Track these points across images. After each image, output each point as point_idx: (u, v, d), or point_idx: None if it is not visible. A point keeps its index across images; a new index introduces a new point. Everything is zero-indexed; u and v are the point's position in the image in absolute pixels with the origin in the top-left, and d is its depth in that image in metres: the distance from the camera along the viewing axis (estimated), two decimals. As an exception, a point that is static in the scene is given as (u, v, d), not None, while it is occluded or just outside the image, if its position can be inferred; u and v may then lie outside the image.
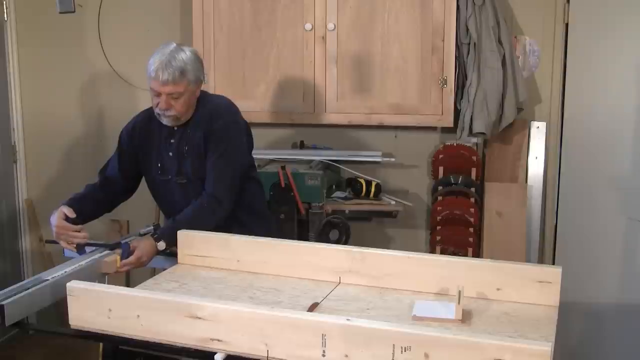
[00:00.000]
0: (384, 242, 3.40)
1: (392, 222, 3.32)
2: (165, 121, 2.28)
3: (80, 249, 2.18)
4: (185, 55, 2.23)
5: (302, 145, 3.38)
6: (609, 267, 3.04)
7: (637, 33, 2.90)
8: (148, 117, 2.41)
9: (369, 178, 3.22)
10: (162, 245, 2.18)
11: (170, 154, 2.34)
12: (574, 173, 3.13)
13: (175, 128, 2.33)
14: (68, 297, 1.72)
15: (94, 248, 2.22)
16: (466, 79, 3.03)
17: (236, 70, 3.14)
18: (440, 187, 3.21)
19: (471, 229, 3.14)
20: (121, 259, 2.14)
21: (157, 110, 2.27)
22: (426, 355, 1.40)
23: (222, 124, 2.32)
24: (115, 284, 1.82)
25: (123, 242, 2.22)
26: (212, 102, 2.39)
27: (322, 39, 3.02)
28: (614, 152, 3.00)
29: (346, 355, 1.47)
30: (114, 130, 3.68)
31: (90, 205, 2.37)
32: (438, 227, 3.18)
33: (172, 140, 2.34)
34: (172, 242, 2.18)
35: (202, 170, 2.31)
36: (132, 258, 2.13)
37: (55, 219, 2.22)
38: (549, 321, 1.72)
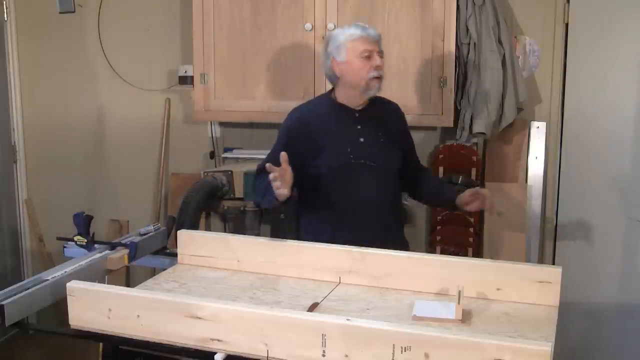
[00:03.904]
0: (384, 242, 3.39)
1: (392, 222, 3.32)
2: (373, 91, 2.27)
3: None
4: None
5: (302, 145, 3.37)
6: (609, 267, 3.04)
7: (637, 33, 2.90)
8: (316, 108, 2.38)
9: (369, 178, 3.21)
10: None
11: (362, 139, 2.31)
12: (574, 173, 3.13)
13: (357, 114, 2.32)
14: (68, 297, 1.73)
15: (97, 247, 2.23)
16: (466, 79, 3.03)
17: (236, 70, 3.14)
18: (440, 187, 3.21)
19: (471, 229, 3.14)
20: (129, 257, 2.15)
21: (372, 74, 2.23)
22: (426, 355, 1.40)
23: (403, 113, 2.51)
24: (115, 284, 1.82)
25: (130, 241, 2.24)
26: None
27: (322, 39, 3.02)
28: (614, 152, 3.00)
29: (346, 355, 1.47)
30: (114, 130, 3.73)
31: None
32: (438, 227, 3.18)
33: (358, 127, 2.32)
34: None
35: (392, 157, 2.35)
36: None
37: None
38: (549, 321, 1.72)
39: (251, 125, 3.42)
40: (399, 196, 2.46)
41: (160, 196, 3.63)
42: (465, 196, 2.32)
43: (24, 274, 3.88)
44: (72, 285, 1.73)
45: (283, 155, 2.03)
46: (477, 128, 2.98)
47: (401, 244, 2.35)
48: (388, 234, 2.32)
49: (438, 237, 3.18)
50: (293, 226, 3.02)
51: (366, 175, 2.29)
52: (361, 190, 2.29)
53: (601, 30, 2.99)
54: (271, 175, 2.00)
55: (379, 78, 2.25)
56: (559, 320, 1.74)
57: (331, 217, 2.31)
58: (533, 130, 3.18)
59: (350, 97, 2.31)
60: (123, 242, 2.26)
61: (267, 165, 2.03)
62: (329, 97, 2.36)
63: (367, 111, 2.33)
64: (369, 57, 2.22)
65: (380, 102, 2.39)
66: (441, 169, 3.22)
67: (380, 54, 2.26)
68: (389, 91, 3.03)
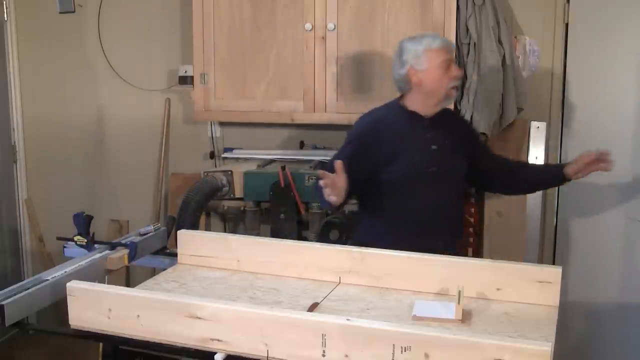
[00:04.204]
0: (384, 242, 3.39)
1: (392, 222, 3.31)
2: (451, 98, 2.34)
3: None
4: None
5: (302, 145, 3.38)
6: (609, 267, 3.04)
7: (637, 33, 2.90)
8: (387, 114, 2.41)
9: (369, 178, 3.21)
10: None
11: (434, 147, 2.34)
12: (574, 173, 3.13)
13: (428, 122, 2.35)
14: (68, 297, 1.72)
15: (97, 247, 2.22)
16: (466, 79, 3.02)
17: (236, 70, 3.14)
18: (440, 187, 3.21)
19: (471, 229, 3.14)
20: (129, 257, 2.15)
21: (452, 84, 2.29)
22: (426, 355, 1.40)
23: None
24: (115, 284, 1.82)
25: (130, 241, 2.24)
26: None
27: (322, 39, 3.02)
28: (614, 152, 2.99)
29: (346, 355, 1.47)
30: (114, 130, 3.73)
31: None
32: (438, 227, 3.18)
33: (430, 134, 2.35)
34: None
35: (460, 166, 2.41)
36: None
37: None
38: (549, 321, 1.72)
39: (251, 125, 3.42)
40: (462, 205, 2.52)
41: (160, 196, 3.63)
42: (580, 163, 2.36)
43: (24, 274, 3.88)
44: (72, 285, 1.73)
45: (338, 164, 2.03)
46: (477, 128, 2.98)
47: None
48: (452, 241, 2.39)
49: (438, 237, 3.17)
50: (293, 226, 3.04)
51: (436, 183, 2.33)
52: (430, 197, 2.32)
53: (601, 30, 2.99)
54: (321, 182, 2.01)
55: (456, 87, 2.31)
56: (559, 320, 1.74)
57: (397, 223, 2.33)
58: (533, 130, 3.18)
59: (426, 106, 2.33)
60: (123, 242, 2.26)
61: (321, 172, 2.04)
62: (398, 104, 2.39)
63: (437, 119, 2.37)
64: (448, 67, 2.28)
65: (446, 111, 2.44)
66: (441, 169, 3.22)
67: (455, 62, 2.32)
68: (389, 91, 3.04)
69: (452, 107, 2.86)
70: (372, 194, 2.34)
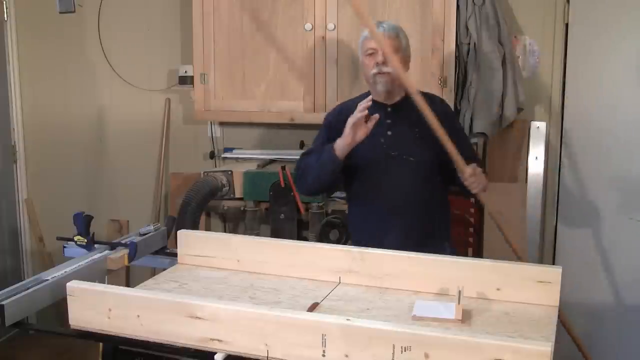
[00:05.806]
0: (384, 242, 3.39)
1: (392, 222, 3.32)
2: (379, 85, 2.31)
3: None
4: (397, 24, 2.39)
5: (302, 145, 3.38)
6: (609, 267, 3.04)
7: (636, 33, 2.91)
8: (354, 103, 2.41)
9: (369, 178, 3.21)
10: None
11: (389, 132, 2.35)
12: (574, 173, 3.13)
13: (389, 109, 2.37)
14: (68, 297, 1.72)
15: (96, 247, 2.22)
16: (466, 79, 3.02)
17: (236, 70, 3.14)
18: (440, 187, 3.21)
19: (471, 229, 3.14)
20: (129, 257, 2.15)
21: (373, 71, 2.30)
22: (426, 355, 1.40)
23: (451, 109, 2.60)
24: (115, 284, 1.82)
25: (130, 241, 2.24)
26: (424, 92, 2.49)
27: (322, 39, 3.02)
28: (614, 152, 3.00)
29: (346, 355, 1.47)
30: (114, 130, 3.73)
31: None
32: (438, 227, 3.18)
33: (388, 120, 2.36)
34: None
35: (425, 152, 2.35)
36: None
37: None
38: (549, 321, 1.72)
39: (251, 125, 3.43)
40: (437, 193, 2.44)
41: (160, 196, 3.63)
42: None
43: (24, 274, 3.88)
44: (72, 285, 1.73)
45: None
46: (477, 128, 2.98)
47: (437, 245, 2.36)
48: (422, 230, 2.36)
49: (438, 237, 3.17)
50: (293, 226, 3.04)
51: (394, 167, 2.34)
52: (389, 181, 2.34)
53: (601, 30, 2.99)
54: (362, 105, 2.15)
55: (383, 73, 2.29)
56: (559, 320, 1.74)
57: (365, 207, 2.39)
58: (533, 130, 3.18)
59: (374, 93, 2.38)
60: (123, 242, 2.26)
61: (362, 107, 2.15)
62: (368, 93, 2.43)
63: (402, 106, 2.38)
64: (372, 55, 2.30)
65: (427, 98, 2.40)
66: (441, 169, 3.21)
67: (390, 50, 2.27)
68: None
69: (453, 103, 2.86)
70: (347, 181, 2.42)
